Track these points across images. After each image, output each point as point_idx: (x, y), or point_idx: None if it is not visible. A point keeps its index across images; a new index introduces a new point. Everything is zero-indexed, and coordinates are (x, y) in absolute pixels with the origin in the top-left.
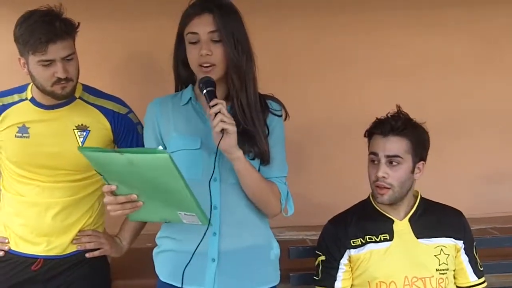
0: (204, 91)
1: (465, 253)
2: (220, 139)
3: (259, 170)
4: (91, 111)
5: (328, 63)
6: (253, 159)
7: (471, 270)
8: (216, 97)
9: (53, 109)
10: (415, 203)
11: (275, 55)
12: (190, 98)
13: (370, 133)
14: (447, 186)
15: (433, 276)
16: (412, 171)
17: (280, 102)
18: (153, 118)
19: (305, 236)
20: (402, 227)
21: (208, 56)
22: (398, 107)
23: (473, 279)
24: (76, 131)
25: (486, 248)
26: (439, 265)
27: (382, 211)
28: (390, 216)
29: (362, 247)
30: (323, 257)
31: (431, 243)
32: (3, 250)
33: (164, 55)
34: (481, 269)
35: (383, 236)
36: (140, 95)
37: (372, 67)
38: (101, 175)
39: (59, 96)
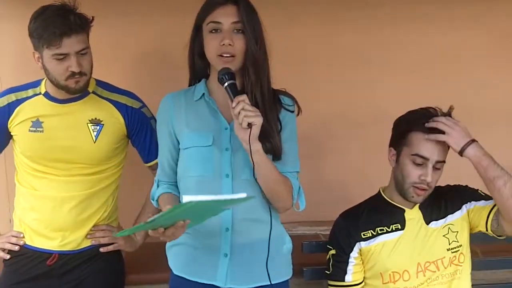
0: (226, 84)
1: (475, 204)
2: (250, 133)
3: None
4: (104, 105)
5: (341, 58)
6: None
7: (484, 203)
8: (238, 91)
9: (67, 103)
10: None
11: (288, 51)
12: (203, 94)
13: (407, 130)
14: (460, 181)
15: (444, 257)
16: None
17: (293, 97)
18: (166, 113)
19: (319, 231)
20: (413, 215)
21: (230, 46)
22: (451, 108)
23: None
24: (89, 125)
25: (499, 244)
26: (449, 244)
27: (394, 203)
28: (401, 206)
29: (373, 239)
30: (333, 251)
31: (439, 225)
32: (18, 245)
33: (177, 51)
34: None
35: (394, 226)
36: (153, 90)
37: (385, 63)
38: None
39: (73, 90)
